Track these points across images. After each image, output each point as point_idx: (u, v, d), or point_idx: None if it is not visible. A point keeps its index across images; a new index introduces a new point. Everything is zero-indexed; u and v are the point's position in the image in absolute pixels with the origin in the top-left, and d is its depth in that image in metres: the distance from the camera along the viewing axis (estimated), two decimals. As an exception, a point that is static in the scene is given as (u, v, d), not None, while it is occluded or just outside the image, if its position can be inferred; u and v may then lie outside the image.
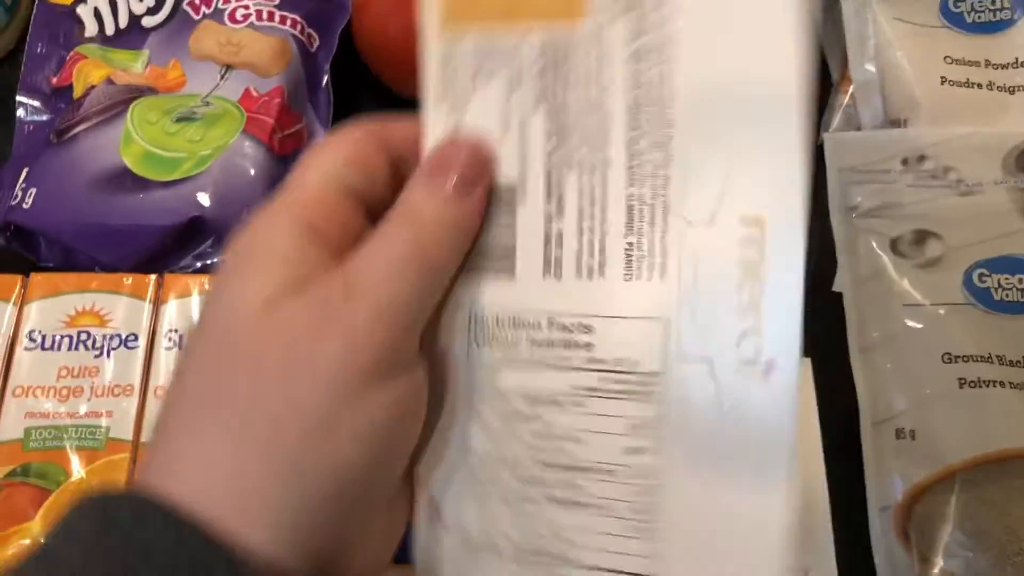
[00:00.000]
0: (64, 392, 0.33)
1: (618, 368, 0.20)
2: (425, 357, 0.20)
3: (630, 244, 0.19)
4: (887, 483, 0.35)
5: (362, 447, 0.19)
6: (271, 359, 0.19)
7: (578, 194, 0.20)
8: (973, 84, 0.39)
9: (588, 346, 0.20)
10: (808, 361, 0.36)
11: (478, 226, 0.20)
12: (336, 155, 0.21)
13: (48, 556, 0.18)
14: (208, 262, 0.37)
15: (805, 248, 0.19)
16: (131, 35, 0.42)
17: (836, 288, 0.38)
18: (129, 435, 0.33)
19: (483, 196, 0.20)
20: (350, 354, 0.18)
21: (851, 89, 0.41)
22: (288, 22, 0.41)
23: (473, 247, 0.21)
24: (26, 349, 0.34)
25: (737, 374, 0.19)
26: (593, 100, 0.19)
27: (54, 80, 0.41)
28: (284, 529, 0.18)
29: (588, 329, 0.20)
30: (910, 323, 0.36)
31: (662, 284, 0.19)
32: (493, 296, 0.21)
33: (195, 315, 0.35)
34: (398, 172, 0.21)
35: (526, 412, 0.20)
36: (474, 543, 0.21)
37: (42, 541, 0.18)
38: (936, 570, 0.33)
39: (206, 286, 0.35)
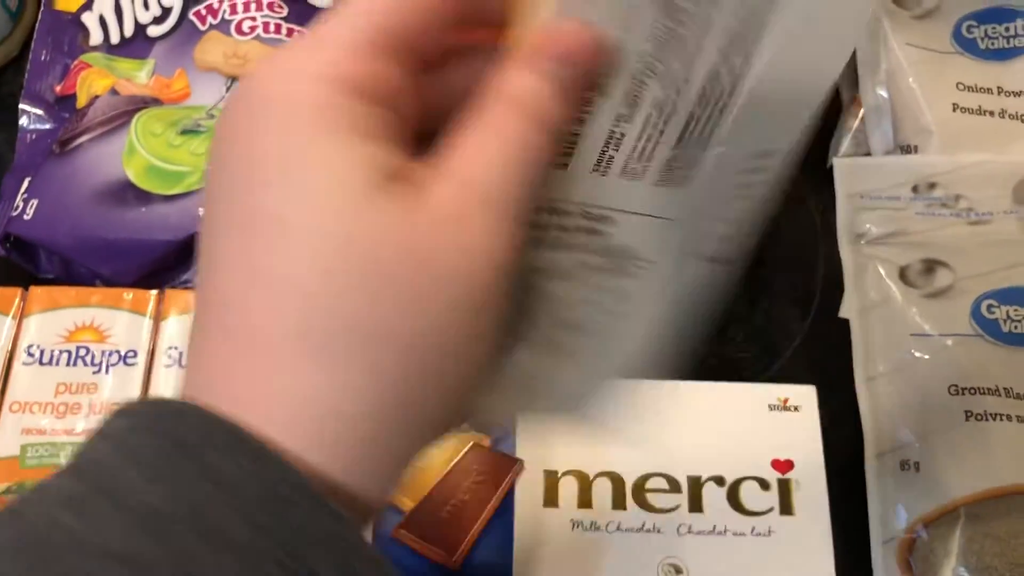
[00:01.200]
0: (62, 408, 0.33)
1: (622, 254, 0.22)
2: None
3: (674, 156, 0.21)
4: (891, 515, 0.35)
5: (477, 373, 0.17)
6: (400, 277, 0.16)
7: (651, 103, 0.20)
8: (985, 112, 0.39)
9: (606, 235, 0.21)
10: (813, 389, 0.36)
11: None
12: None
13: (107, 480, 0.15)
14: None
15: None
16: (136, 44, 0.41)
17: (843, 314, 0.38)
18: (127, 453, 0.32)
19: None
20: (477, 272, 0.17)
21: (861, 113, 0.41)
22: (295, 35, 0.40)
23: None
24: (24, 364, 0.34)
25: (709, 264, 0.22)
26: (701, 16, 0.19)
27: (58, 88, 0.41)
28: (367, 465, 0.16)
29: (612, 222, 0.21)
30: (917, 353, 0.35)
31: (684, 192, 0.21)
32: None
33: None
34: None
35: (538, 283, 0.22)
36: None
37: (84, 455, 0.15)
38: (939, 605, 0.33)
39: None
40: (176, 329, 0.34)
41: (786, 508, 0.35)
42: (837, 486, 0.36)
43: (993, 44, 0.39)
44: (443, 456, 0.35)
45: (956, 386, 0.35)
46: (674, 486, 0.35)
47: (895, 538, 0.34)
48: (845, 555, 0.35)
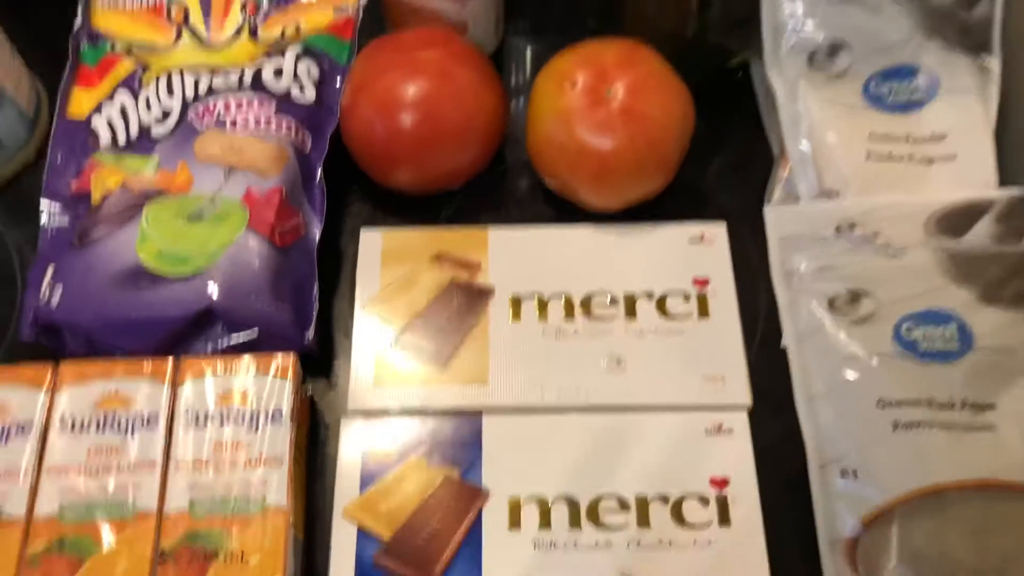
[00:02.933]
0: (94, 470, 0.37)
1: None
2: None
3: None
4: (835, 519, 0.39)
5: None
6: None
7: None
8: (895, 157, 0.44)
9: None
10: (745, 414, 0.41)
11: None
12: None
13: None
14: (219, 346, 0.41)
15: None
16: (142, 143, 0.46)
17: (784, 344, 0.42)
18: (154, 506, 0.37)
19: None
20: None
21: (790, 165, 0.46)
22: (284, 127, 0.45)
23: None
24: (58, 433, 0.38)
25: None
26: None
27: (74, 186, 0.46)
28: None
29: None
30: (848, 374, 0.40)
31: None
32: None
33: (209, 395, 0.39)
34: None
35: None
36: None
37: None
38: (883, 596, 0.37)
39: (218, 368, 0.39)
40: (191, 392, 0.39)
41: (724, 520, 0.39)
42: (788, 496, 0.40)
43: (898, 98, 0.45)
44: (418, 489, 0.40)
45: (883, 400, 0.39)
46: (624, 506, 0.39)
47: (840, 539, 0.38)
48: (797, 557, 0.39)
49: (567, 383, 0.42)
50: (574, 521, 0.39)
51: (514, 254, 0.46)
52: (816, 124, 0.45)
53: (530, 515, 0.39)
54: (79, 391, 0.39)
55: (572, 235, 0.46)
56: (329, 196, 0.45)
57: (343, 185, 0.48)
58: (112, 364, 0.40)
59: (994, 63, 0.45)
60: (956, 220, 0.42)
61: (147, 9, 0.50)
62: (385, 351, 0.43)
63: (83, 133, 0.47)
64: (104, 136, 0.47)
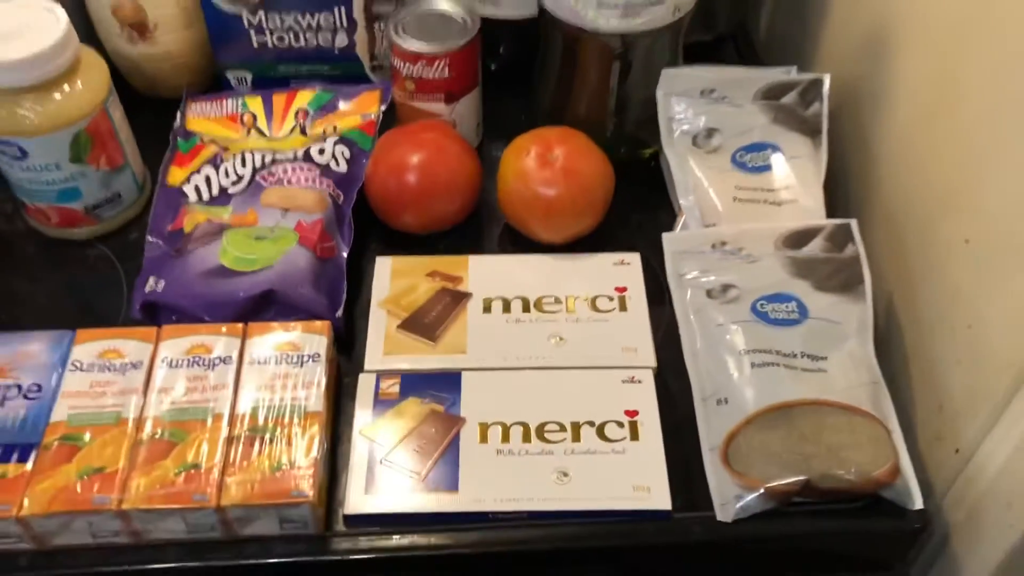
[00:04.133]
0: (185, 390, 0.53)
1: None
2: None
3: None
4: (713, 433, 0.54)
5: None
6: None
7: None
8: (754, 201, 0.62)
9: None
10: (651, 370, 0.57)
11: None
12: None
13: None
14: (273, 320, 0.58)
15: None
16: (220, 198, 0.65)
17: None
18: (226, 411, 0.52)
19: None
20: None
21: (684, 214, 0.64)
22: (324, 184, 0.64)
23: None
24: (161, 368, 0.54)
25: None
26: None
27: (170, 226, 0.64)
28: None
29: None
30: (720, 334, 0.56)
31: None
32: None
33: (268, 344, 0.55)
34: None
35: None
36: None
37: None
38: (746, 480, 0.52)
39: (275, 328, 0.56)
40: (256, 342, 0.55)
41: (634, 437, 0.54)
42: (684, 423, 0.55)
43: (756, 164, 0.64)
44: (414, 417, 0.55)
45: (744, 350, 0.55)
46: (562, 428, 0.55)
47: (717, 445, 0.53)
48: (687, 460, 0.54)
49: (523, 353, 0.58)
50: (526, 438, 0.54)
51: (487, 272, 0.63)
52: (699, 182, 0.64)
53: (494, 434, 0.54)
54: (175, 342, 0.55)
55: (528, 259, 0.64)
56: (355, 234, 0.63)
57: (365, 226, 0.66)
58: (198, 327, 0.56)
59: (822, 140, 0.64)
60: (797, 238, 0.60)
61: (225, 116, 0.70)
62: (393, 332, 0.59)
63: (177, 195, 0.66)
64: (192, 196, 0.65)
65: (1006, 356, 0.49)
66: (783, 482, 0.51)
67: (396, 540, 0.51)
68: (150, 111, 0.72)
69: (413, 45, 0.65)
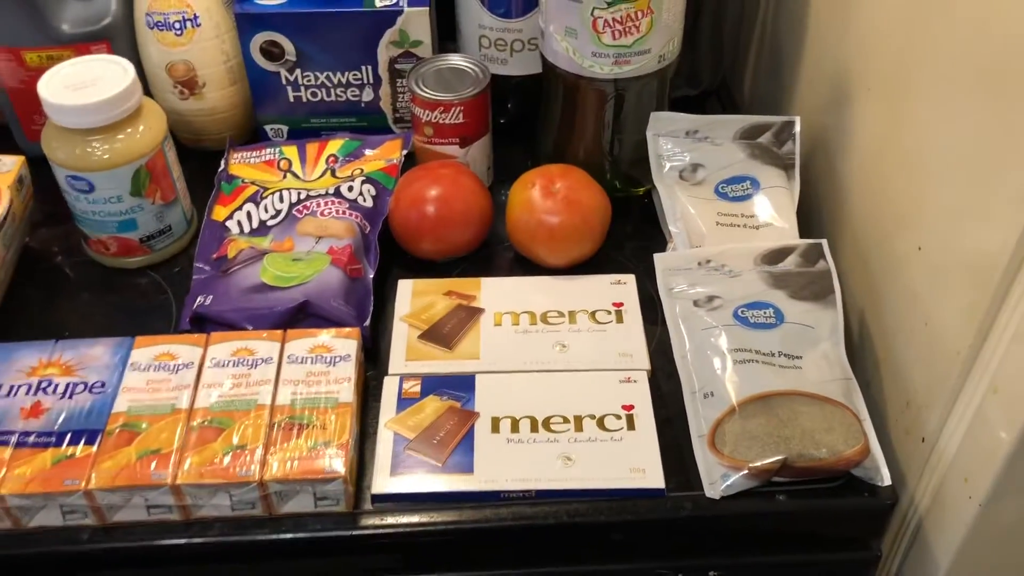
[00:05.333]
0: (232, 385, 0.60)
1: None
2: None
3: None
4: (701, 422, 0.60)
5: None
6: None
7: None
8: (735, 224, 0.70)
9: None
10: (645, 372, 0.64)
11: None
12: None
13: None
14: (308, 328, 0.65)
15: None
16: (260, 230, 0.73)
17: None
18: (268, 402, 0.59)
19: None
20: None
21: (674, 240, 0.72)
22: (354, 215, 0.72)
23: None
24: (208, 367, 0.61)
25: None
26: None
27: (215, 254, 0.72)
28: None
29: None
30: (706, 337, 0.63)
31: None
32: None
33: (304, 346, 0.62)
34: None
35: None
36: None
37: None
38: (731, 461, 0.58)
39: (310, 334, 0.63)
40: (294, 345, 0.62)
41: (631, 427, 0.61)
42: (677, 416, 0.62)
43: (736, 194, 0.71)
44: (433, 412, 0.61)
45: (727, 349, 0.62)
46: (566, 420, 0.61)
47: (705, 433, 0.60)
48: (679, 448, 0.60)
49: (529, 358, 0.65)
50: (533, 428, 0.61)
51: (498, 291, 0.70)
52: (686, 210, 0.71)
53: (505, 426, 0.61)
54: (222, 346, 0.62)
55: (534, 280, 0.71)
56: (379, 261, 0.71)
57: (388, 255, 0.73)
58: (243, 333, 0.63)
59: (795, 172, 0.72)
60: (774, 256, 0.67)
61: (264, 162, 0.79)
62: (414, 341, 0.66)
63: (221, 228, 0.74)
64: (234, 229, 0.73)
65: (953, 345, 0.56)
66: (764, 462, 0.57)
67: (417, 517, 0.57)
68: (195, 160, 0.81)
69: (431, 94, 0.74)
